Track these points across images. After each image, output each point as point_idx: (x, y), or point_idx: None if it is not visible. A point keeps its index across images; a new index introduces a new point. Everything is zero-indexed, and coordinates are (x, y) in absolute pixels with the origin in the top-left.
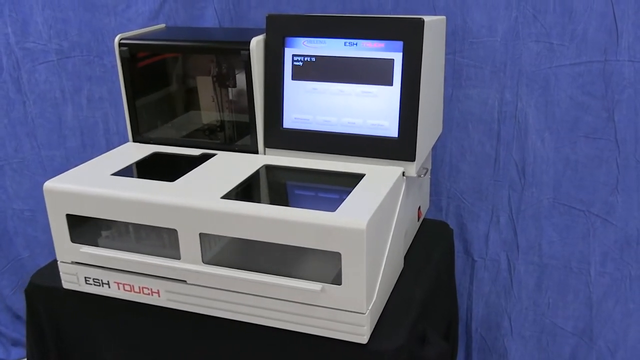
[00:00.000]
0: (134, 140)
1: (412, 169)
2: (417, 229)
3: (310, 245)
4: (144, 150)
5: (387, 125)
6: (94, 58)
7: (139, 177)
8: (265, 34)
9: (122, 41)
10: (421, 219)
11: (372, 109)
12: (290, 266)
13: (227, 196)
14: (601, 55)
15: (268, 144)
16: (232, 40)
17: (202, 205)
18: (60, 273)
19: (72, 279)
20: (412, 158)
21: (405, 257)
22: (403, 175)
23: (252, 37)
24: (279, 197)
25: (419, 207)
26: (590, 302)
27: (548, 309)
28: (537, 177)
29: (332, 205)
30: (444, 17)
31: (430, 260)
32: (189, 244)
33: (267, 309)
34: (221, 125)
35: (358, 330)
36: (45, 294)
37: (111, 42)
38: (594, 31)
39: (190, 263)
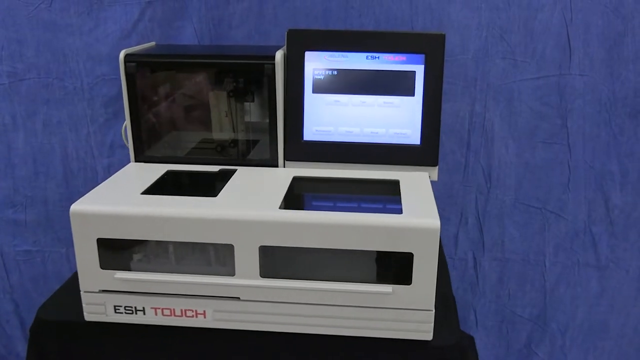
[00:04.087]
0: (137, 160)
1: (434, 173)
2: None
3: (380, 248)
4: (154, 169)
5: (410, 133)
6: (53, 80)
7: (171, 194)
8: (284, 47)
9: (129, 57)
10: None
11: (394, 118)
12: (341, 271)
13: (283, 206)
14: (556, 70)
15: (288, 157)
16: (249, 54)
17: (264, 217)
18: (83, 304)
19: (97, 310)
20: (435, 163)
21: None
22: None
23: (266, 52)
24: (333, 205)
25: None
26: (545, 290)
27: (508, 299)
28: (501, 181)
29: (391, 208)
30: None
31: (441, 257)
32: (246, 258)
33: (330, 317)
34: (234, 140)
35: (424, 328)
36: (57, 329)
37: (74, 63)
38: (551, 49)
39: (246, 278)
